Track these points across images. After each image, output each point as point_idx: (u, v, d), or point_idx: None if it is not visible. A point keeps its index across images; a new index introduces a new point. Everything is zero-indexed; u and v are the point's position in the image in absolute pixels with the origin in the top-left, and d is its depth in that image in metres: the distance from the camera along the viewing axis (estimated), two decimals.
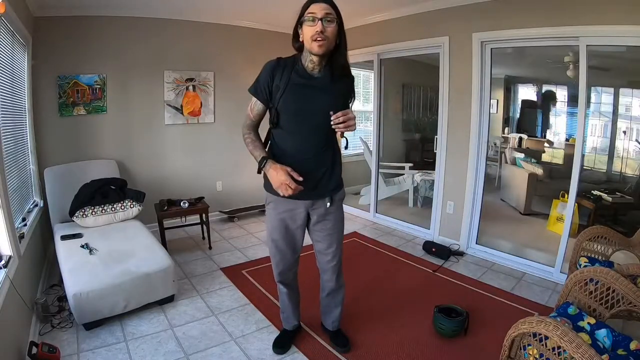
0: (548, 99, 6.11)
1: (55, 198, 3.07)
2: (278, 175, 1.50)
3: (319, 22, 1.41)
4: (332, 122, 1.47)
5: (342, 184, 1.79)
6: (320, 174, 1.66)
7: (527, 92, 6.47)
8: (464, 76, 3.32)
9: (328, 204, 1.71)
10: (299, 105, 1.56)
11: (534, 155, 5.57)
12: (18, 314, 1.93)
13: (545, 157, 5.90)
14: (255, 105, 1.65)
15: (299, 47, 1.57)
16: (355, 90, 1.71)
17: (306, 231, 1.85)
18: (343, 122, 1.46)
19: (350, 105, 1.66)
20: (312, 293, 2.21)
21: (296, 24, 1.53)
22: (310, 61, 1.54)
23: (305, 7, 1.46)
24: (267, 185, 1.70)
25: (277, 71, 1.56)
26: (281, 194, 1.53)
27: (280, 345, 2.05)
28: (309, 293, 2.26)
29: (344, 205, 1.86)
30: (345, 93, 1.63)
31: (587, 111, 2.88)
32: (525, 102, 6.43)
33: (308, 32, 1.44)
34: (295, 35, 1.55)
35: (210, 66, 4.15)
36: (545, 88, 6.18)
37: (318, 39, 1.42)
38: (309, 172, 1.59)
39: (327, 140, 1.65)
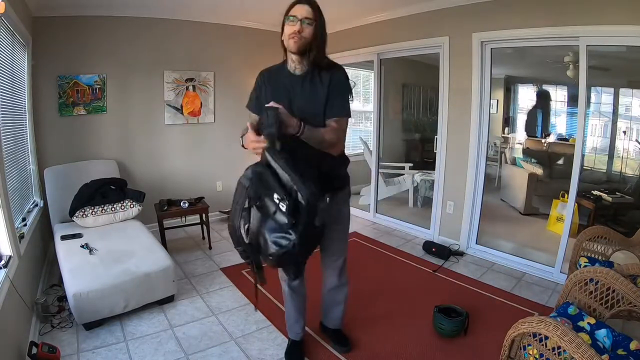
0: (545, 99, 6.10)
1: (55, 198, 3.07)
2: (249, 136, 1.39)
3: (299, 22, 1.47)
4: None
5: (347, 182, 1.78)
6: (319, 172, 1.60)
7: (527, 92, 6.46)
8: (464, 76, 3.32)
9: (327, 199, 1.66)
10: (286, 106, 1.54)
11: (538, 155, 5.58)
12: (18, 314, 1.93)
13: (545, 157, 5.90)
14: (250, 115, 1.70)
15: (283, 45, 1.61)
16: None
17: None
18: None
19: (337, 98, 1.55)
20: (313, 294, 2.21)
21: (282, 25, 1.58)
22: (291, 60, 1.59)
23: (289, 9, 1.53)
24: None
25: (263, 80, 1.63)
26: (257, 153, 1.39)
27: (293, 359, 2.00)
28: (310, 294, 2.25)
29: None
30: (328, 86, 1.55)
31: (587, 111, 2.88)
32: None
33: (287, 30, 1.51)
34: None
35: (210, 66, 4.15)
36: (545, 88, 6.18)
37: (295, 37, 1.48)
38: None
39: None
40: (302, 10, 1.48)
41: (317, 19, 1.50)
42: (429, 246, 3.48)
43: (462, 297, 2.64)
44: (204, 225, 3.61)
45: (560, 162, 5.45)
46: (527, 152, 6.00)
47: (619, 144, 4.92)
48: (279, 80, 1.60)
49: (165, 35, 3.81)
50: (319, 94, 1.56)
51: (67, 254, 2.50)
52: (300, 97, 1.57)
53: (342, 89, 1.57)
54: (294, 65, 1.58)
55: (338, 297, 2.01)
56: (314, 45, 1.52)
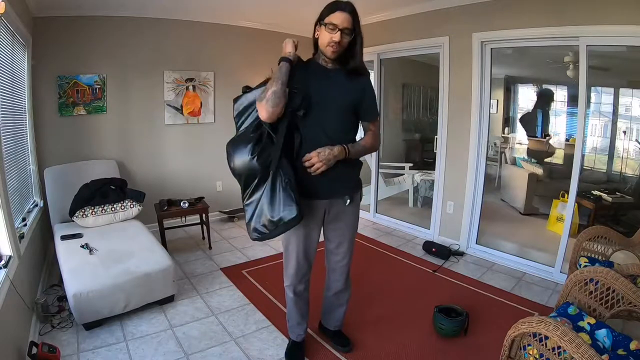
0: (545, 98, 6.09)
1: (55, 198, 3.07)
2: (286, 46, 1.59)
3: (339, 32, 1.49)
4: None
5: (361, 184, 1.81)
6: (339, 170, 1.61)
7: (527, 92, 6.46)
8: (464, 76, 3.32)
9: (348, 201, 1.72)
10: (317, 97, 1.58)
11: (540, 156, 5.58)
12: (18, 314, 1.93)
13: (545, 157, 5.90)
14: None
15: (315, 42, 1.64)
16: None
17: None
18: (310, 165, 1.54)
19: (366, 106, 1.69)
20: (311, 293, 2.21)
21: (317, 21, 1.59)
22: (323, 59, 1.63)
23: (330, 11, 1.52)
24: None
25: (296, 69, 1.59)
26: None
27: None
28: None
29: None
30: (360, 89, 1.67)
31: (587, 111, 2.88)
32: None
33: (326, 37, 1.53)
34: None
35: (210, 66, 4.15)
36: (547, 87, 6.18)
37: (334, 47, 1.53)
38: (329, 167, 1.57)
39: (345, 134, 1.65)
40: (342, 19, 1.49)
41: (356, 28, 1.55)
42: (429, 246, 3.48)
43: (462, 297, 2.64)
44: (204, 225, 3.60)
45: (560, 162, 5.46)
46: (528, 152, 6.00)
47: (619, 144, 4.92)
48: (313, 74, 1.62)
49: (165, 35, 3.81)
50: (348, 90, 1.63)
51: (67, 254, 2.50)
52: (337, 92, 1.61)
53: (373, 95, 1.73)
54: (326, 63, 1.63)
55: (341, 300, 2.01)
56: (356, 55, 1.61)
